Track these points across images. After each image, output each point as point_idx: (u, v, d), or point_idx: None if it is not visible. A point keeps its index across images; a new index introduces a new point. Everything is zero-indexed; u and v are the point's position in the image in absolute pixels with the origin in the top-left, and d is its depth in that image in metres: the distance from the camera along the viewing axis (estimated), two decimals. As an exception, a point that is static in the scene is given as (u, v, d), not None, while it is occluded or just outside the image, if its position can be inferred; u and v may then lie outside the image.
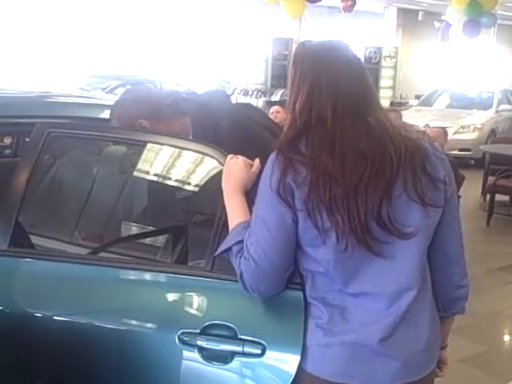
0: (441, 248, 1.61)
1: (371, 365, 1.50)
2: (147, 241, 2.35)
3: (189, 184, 2.42)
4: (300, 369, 1.54)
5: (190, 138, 2.14)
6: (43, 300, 1.85)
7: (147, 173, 2.48)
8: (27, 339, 1.81)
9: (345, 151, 1.46)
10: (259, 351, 1.60)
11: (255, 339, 1.61)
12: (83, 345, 1.78)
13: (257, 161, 1.70)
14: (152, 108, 2.15)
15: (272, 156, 1.52)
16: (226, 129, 2.08)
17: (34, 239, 2.11)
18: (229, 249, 1.57)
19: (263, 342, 1.60)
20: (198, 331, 1.66)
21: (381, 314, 1.50)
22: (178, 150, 2.14)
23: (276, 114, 7.14)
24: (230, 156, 1.72)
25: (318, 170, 1.44)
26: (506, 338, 4.48)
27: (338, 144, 1.46)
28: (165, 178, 2.48)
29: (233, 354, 1.63)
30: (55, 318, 1.83)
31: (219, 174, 1.73)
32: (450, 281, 1.65)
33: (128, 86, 10.34)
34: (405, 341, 1.52)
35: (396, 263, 1.51)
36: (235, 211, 1.62)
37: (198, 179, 2.30)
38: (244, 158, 1.70)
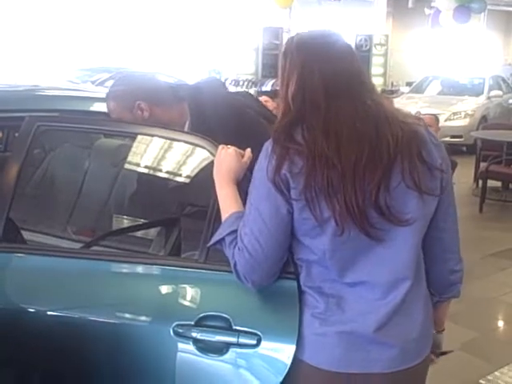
0: (436, 234, 1.61)
1: (368, 353, 1.50)
2: (140, 233, 2.35)
3: (181, 175, 2.41)
4: (296, 359, 1.53)
5: (188, 123, 2.13)
6: (36, 295, 1.84)
7: (139, 165, 2.47)
8: (20, 335, 1.80)
9: (340, 133, 1.44)
10: (254, 342, 1.60)
11: (250, 330, 1.61)
12: (78, 339, 1.77)
13: (248, 151, 1.69)
14: (150, 91, 2.12)
15: (267, 145, 1.50)
16: (222, 115, 2.07)
17: (26, 234, 2.10)
18: (222, 239, 1.56)
19: (258, 333, 1.60)
20: (192, 323, 1.66)
21: (377, 304, 1.50)
22: (169, 141, 2.13)
23: (265, 103, 7.13)
24: (221, 146, 1.71)
25: (313, 154, 1.43)
26: (500, 323, 4.50)
27: (332, 125, 1.44)
28: (156, 169, 2.47)
29: (228, 345, 1.63)
30: (48, 312, 1.82)
31: (211, 165, 1.72)
32: (445, 266, 1.66)
33: (118, 78, 10.35)
34: (399, 329, 1.52)
35: (392, 252, 1.51)
36: (227, 202, 1.61)
37: (189, 170, 2.29)
38: (235, 148, 1.69)
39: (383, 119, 1.48)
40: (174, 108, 2.14)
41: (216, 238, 1.58)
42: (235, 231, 1.53)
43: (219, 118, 2.06)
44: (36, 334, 1.79)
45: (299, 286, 1.56)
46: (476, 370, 3.53)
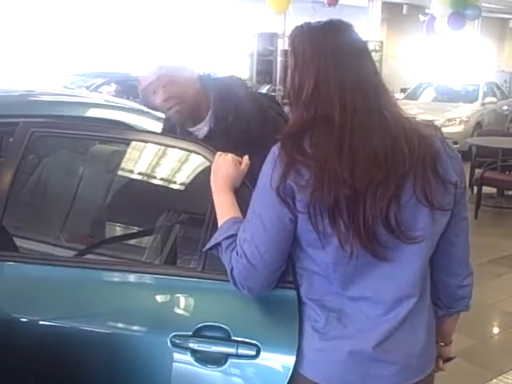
0: (447, 248, 1.56)
1: (368, 369, 1.46)
2: (135, 242, 2.32)
3: (177, 182, 2.38)
4: (295, 372, 1.50)
5: (210, 114, 2.13)
6: (29, 304, 1.81)
7: (133, 172, 2.44)
8: (13, 344, 1.76)
9: (355, 152, 1.37)
10: (253, 352, 1.57)
11: (249, 340, 1.58)
12: (72, 350, 1.74)
13: (245, 158, 1.66)
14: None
15: (274, 150, 1.44)
16: (247, 109, 2.08)
17: (19, 242, 2.07)
18: (218, 244, 1.52)
19: (257, 343, 1.57)
20: (190, 333, 1.62)
21: (378, 320, 1.46)
22: (164, 147, 2.10)
23: None
24: (218, 153, 1.68)
25: (323, 171, 1.36)
26: (497, 330, 4.48)
27: (346, 143, 1.37)
28: (152, 176, 2.44)
29: (226, 356, 1.59)
30: (41, 322, 1.79)
31: (207, 172, 1.69)
32: (453, 281, 1.61)
33: (113, 84, 10.33)
34: (401, 345, 1.48)
35: (399, 269, 1.46)
36: (224, 208, 1.58)
37: (186, 177, 2.27)
38: (233, 155, 1.66)
39: (400, 132, 1.41)
40: (202, 93, 2.14)
41: (212, 242, 1.54)
42: (233, 236, 1.49)
43: (243, 112, 2.06)
44: (28, 344, 1.76)
45: (299, 297, 1.52)
46: (474, 378, 3.52)
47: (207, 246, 1.57)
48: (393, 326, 1.46)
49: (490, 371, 3.62)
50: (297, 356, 1.50)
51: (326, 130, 1.39)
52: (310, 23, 1.49)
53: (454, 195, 1.48)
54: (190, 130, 2.19)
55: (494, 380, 3.51)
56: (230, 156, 1.65)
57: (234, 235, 1.49)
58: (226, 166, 1.62)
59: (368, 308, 1.46)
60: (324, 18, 1.51)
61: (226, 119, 2.07)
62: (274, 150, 1.44)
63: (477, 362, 3.72)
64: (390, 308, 1.46)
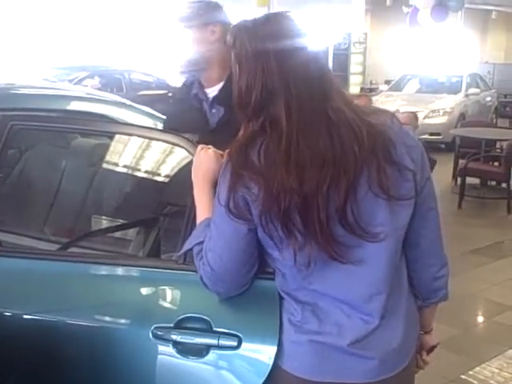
0: (415, 240, 1.54)
1: (343, 363, 1.46)
2: (118, 234, 2.31)
3: (159, 175, 2.38)
4: (275, 363, 1.51)
5: (221, 85, 2.11)
6: (12, 298, 1.80)
7: (116, 165, 2.44)
8: None
9: (302, 157, 1.33)
10: (235, 343, 1.57)
11: (231, 331, 1.58)
12: (55, 343, 1.74)
13: (227, 152, 1.66)
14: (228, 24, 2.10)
15: (223, 165, 1.44)
16: None
17: (2, 236, 2.05)
18: (190, 249, 1.54)
19: (239, 334, 1.57)
20: (172, 325, 1.63)
21: (353, 317, 1.45)
22: (147, 140, 2.10)
23: None
24: (200, 146, 1.67)
25: (271, 184, 1.33)
26: (480, 319, 4.53)
27: (293, 150, 1.33)
28: (134, 169, 2.44)
29: (208, 347, 1.60)
30: (25, 316, 1.78)
31: (189, 165, 1.69)
32: (427, 272, 1.59)
33: (96, 77, 10.28)
34: (378, 341, 1.47)
35: (365, 269, 1.43)
36: (202, 206, 1.57)
37: (168, 170, 2.26)
38: (214, 149, 1.65)
39: (347, 127, 1.36)
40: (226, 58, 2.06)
41: (186, 247, 1.56)
42: (202, 242, 1.50)
43: None
44: (13, 337, 1.75)
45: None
46: (457, 366, 3.55)
47: (182, 250, 1.59)
48: (368, 323, 1.45)
49: (473, 359, 3.66)
50: (277, 347, 1.50)
51: (274, 139, 1.35)
52: (246, 21, 1.43)
53: (415, 184, 1.44)
54: (206, 90, 2.17)
55: (478, 368, 3.55)
56: (211, 150, 1.63)
57: (204, 242, 1.50)
58: (207, 160, 1.60)
59: (341, 305, 1.45)
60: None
61: (228, 99, 2.05)
62: (223, 164, 1.44)
63: (460, 350, 3.76)
64: (362, 306, 1.45)
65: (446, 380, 3.41)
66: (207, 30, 2.08)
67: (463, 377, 3.45)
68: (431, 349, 1.75)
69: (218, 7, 2.11)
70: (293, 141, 1.34)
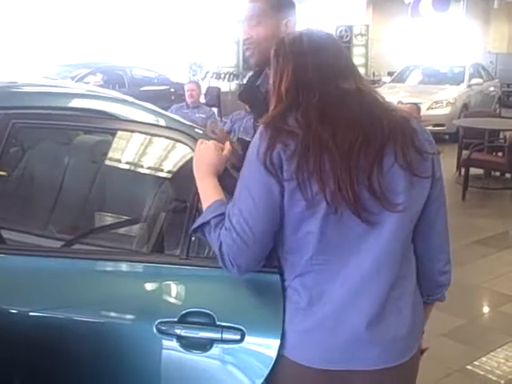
0: (426, 235, 1.60)
1: (352, 350, 1.48)
2: (122, 231, 2.32)
3: (161, 170, 2.39)
4: (281, 354, 1.52)
5: (263, 75, 2.13)
6: (17, 296, 1.81)
7: (119, 161, 2.44)
8: (2, 336, 1.77)
9: (336, 117, 1.45)
10: (238, 337, 1.59)
11: (234, 325, 1.59)
12: (61, 340, 1.75)
13: (227, 144, 1.68)
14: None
15: (260, 128, 1.49)
16: None
17: (6, 234, 2.06)
18: (206, 223, 1.53)
19: (242, 328, 1.59)
20: (175, 320, 1.64)
21: (357, 298, 1.48)
22: (148, 136, 2.11)
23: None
24: (200, 141, 1.69)
25: (308, 138, 1.42)
26: (485, 310, 4.54)
27: (327, 111, 1.45)
28: (136, 165, 2.45)
29: (212, 341, 1.61)
30: (30, 314, 1.79)
31: (190, 159, 1.70)
32: (434, 267, 1.65)
33: (98, 74, 10.28)
34: (388, 326, 1.50)
35: (379, 240, 1.48)
36: (208, 192, 1.59)
37: (169, 165, 2.27)
38: (214, 141, 1.67)
39: (377, 103, 1.51)
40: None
41: (200, 221, 1.55)
42: (222, 214, 1.51)
43: None
44: (18, 335, 1.76)
45: (283, 282, 1.54)
46: (463, 357, 3.56)
47: (194, 225, 1.57)
48: (377, 305, 1.49)
49: (479, 349, 3.66)
50: (281, 339, 1.51)
51: (308, 105, 1.46)
52: (289, 34, 1.62)
53: (432, 163, 1.55)
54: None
55: (484, 358, 3.56)
56: (211, 143, 1.66)
57: (223, 214, 1.51)
58: (208, 153, 1.64)
59: (351, 284, 1.48)
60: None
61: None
62: (260, 128, 1.49)
63: (465, 340, 3.77)
64: (371, 283, 1.48)
65: (452, 370, 3.42)
66: (281, 24, 2.06)
67: (469, 367, 3.46)
68: (421, 352, 1.75)
69: (289, 3, 2.09)
70: (326, 105, 1.46)
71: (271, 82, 1.55)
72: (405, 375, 1.58)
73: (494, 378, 3.37)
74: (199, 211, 1.62)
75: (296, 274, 1.51)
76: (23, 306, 1.80)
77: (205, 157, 1.63)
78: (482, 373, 3.42)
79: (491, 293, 4.66)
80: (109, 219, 2.43)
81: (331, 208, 1.43)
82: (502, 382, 3.35)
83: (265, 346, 1.56)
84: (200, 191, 1.61)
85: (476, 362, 3.50)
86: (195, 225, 1.57)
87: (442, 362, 3.39)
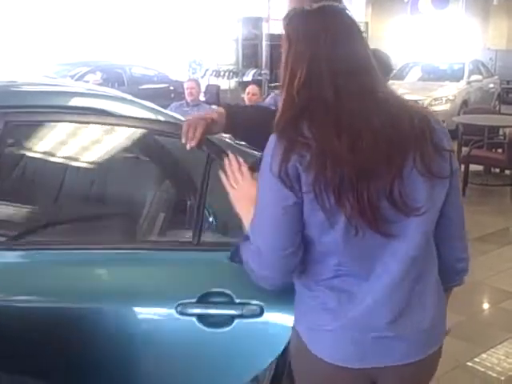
0: (445, 223, 1.58)
1: (380, 346, 1.49)
2: (134, 221, 2.33)
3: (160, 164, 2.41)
4: (312, 355, 1.51)
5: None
6: (37, 289, 1.85)
7: (114, 155, 2.46)
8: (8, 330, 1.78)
9: (354, 130, 1.38)
10: (257, 312, 1.69)
11: (252, 301, 1.70)
12: (84, 326, 1.79)
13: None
14: None
15: (272, 138, 1.43)
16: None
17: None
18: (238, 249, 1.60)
19: (261, 303, 1.69)
20: (194, 301, 1.73)
21: (387, 297, 1.48)
22: (146, 131, 2.12)
23: (252, 96, 6.58)
24: (235, 168, 1.65)
25: (325, 152, 1.36)
26: (486, 306, 4.53)
27: (344, 123, 1.38)
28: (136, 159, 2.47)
29: (232, 318, 1.71)
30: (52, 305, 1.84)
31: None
32: (452, 254, 1.65)
33: (98, 72, 10.27)
34: (412, 321, 1.50)
35: (403, 243, 1.46)
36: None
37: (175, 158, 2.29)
38: (244, 164, 1.66)
39: (397, 109, 1.44)
40: None
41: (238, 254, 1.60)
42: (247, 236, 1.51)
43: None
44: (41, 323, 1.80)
45: (308, 282, 1.53)
46: (463, 353, 3.56)
47: (236, 259, 1.62)
48: (403, 302, 1.49)
49: (479, 346, 3.66)
50: (311, 337, 1.52)
51: (321, 113, 1.39)
52: (302, 8, 1.47)
53: (450, 162, 1.50)
54: None
55: (484, 354, 3.56)
56: (245, 170, 1.64)
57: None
58: (249, 188, 1.60)
59: (376, 284, 1.47)
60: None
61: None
62: (272, 138, 1.43)
63: (466, 337, 3.76)
64: (397, 282, 1.48)
65: (452, 367, 3.41)
66: None
67: (469, 364, 3.46)
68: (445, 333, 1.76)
69: None
70: (343, 116, 1.38)
71: (282, 68, 1.46)
72: (430, 367, 1.64)
73: (494, 375, 3.37)
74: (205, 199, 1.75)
75: (322, 278, 1.50)
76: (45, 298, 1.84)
77: (249, 193, 1.58)
78: (483, 369, 3.42)
79: (491, 289, 4.66)
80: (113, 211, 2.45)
81: (351, 229, 1.40)
82: (502, 378, 3.35)
83: (282, 321, 1.67)
84: (246, 221, 1.58)
85: (476, 359, 3.51)
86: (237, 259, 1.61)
87: (443, 358, 3.34)
